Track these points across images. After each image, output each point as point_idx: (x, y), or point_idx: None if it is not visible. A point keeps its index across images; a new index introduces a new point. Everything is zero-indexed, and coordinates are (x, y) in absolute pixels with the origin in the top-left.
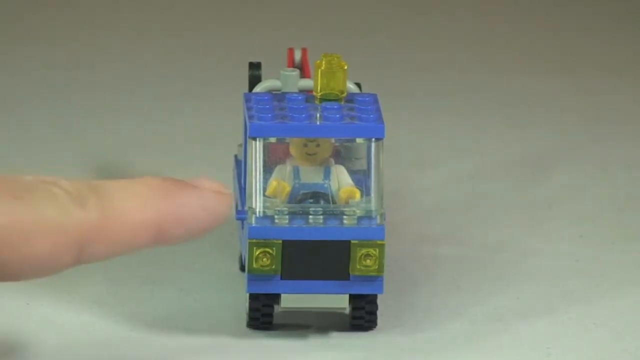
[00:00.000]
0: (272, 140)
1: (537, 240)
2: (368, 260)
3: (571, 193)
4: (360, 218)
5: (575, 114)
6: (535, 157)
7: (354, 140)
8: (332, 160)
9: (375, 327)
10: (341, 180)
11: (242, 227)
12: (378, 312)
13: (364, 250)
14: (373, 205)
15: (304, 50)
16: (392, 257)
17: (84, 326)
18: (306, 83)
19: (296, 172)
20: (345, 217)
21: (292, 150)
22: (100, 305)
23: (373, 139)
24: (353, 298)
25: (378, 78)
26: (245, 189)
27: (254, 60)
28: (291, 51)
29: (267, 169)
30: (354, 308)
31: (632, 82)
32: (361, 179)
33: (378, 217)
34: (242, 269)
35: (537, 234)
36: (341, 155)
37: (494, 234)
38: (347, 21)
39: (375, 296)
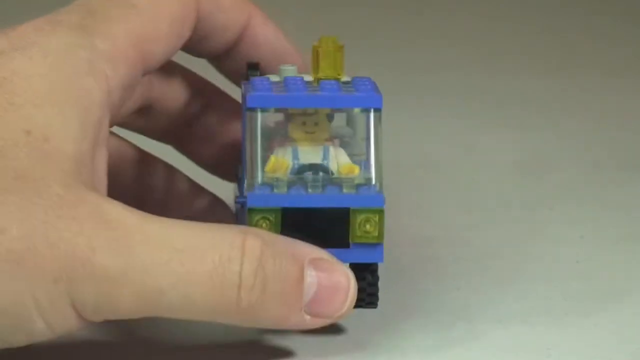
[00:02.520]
0: (270, 111)
1: (538, 241)
2: (368, 226)
3: (572, 194)
4: (359, 186)
5: (575, 115)
6: (536, 158)
7: (352, 111)
8: (331, 143)
9: (376, 303)
10: (340, 160)
11: (240, 215)
12: (377, 312)
13: (363, 216)
14: (372, 173)
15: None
16: (392, 257)
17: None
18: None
19: (295, 152)
20: (344, 185)
21: (291, 131)
22: None
23: (371, 109)
24: (353, 269)
25: (378, 78)
26: (244, 179)
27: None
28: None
29: (267, 148)
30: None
31: (632, 82)
32: (360, 161)
33: (377, 185)
34: None
35: (537, 235)
36: (339, 139)
37: (495, 235)
38: (347, 21)
39: (376, 266)
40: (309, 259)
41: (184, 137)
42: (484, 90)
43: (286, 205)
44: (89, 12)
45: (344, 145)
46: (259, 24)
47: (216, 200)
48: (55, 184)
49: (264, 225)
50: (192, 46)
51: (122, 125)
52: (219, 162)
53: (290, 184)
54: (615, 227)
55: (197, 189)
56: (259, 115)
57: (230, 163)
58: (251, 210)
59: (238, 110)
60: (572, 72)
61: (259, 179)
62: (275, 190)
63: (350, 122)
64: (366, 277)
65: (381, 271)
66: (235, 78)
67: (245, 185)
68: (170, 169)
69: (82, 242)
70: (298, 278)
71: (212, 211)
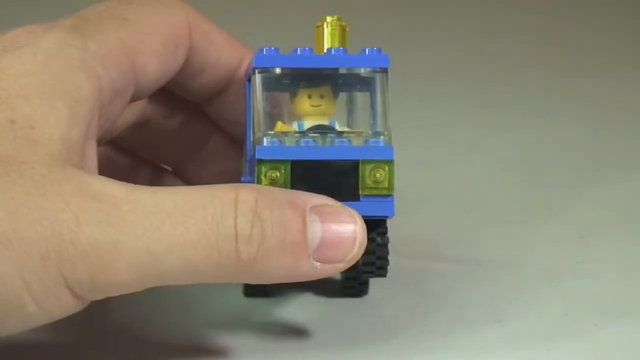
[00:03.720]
0: (276, 70)
1: (538, 241)
2: (378, 175)
3: (571, 195)
4: (367, 139)
5: (575, 115)
6: (535, 158)
7: (360, 71)
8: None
9: (386, 269)
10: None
11: None
12: (377, 312)
13: (373, 165)
14: (380, 127)
15: None
16: (391, 257)
17: (83, 324)
18: None
19: (300, 127)
20: (353, 138)
21: (297, 106)
22: (97, 304)
23: (378, 69)
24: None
25: None
26: (248, 157)
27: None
28: None
29: (272, 113)
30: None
31: (632, 82)
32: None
33: (386, 137)
34: (246, 294)
35: (537, 235)
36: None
37: (494, 235)
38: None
39: (385, 228)
40: (310, 206)
41: (183, 160)
42: (484, 90)
43: (295, 157)
44: (83, 19)
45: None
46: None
47: None
48: (40, 166)
49: (273, 176)
50: (184, 83)
51: (119, 141)
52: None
53: (299, 138)
54: (615, 227)
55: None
56: (266, 75)
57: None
58: (260, 161)
59: (238, 137)
60: (572, 72)
61: (268, 132)
62: (285, 143)
63: (353, 103)
64: (375, 239)
65: None
66: (226, 120)
67: (250, 148)
68: (163, 174)
69: (68, 218)
70: (300, 225)
71: None
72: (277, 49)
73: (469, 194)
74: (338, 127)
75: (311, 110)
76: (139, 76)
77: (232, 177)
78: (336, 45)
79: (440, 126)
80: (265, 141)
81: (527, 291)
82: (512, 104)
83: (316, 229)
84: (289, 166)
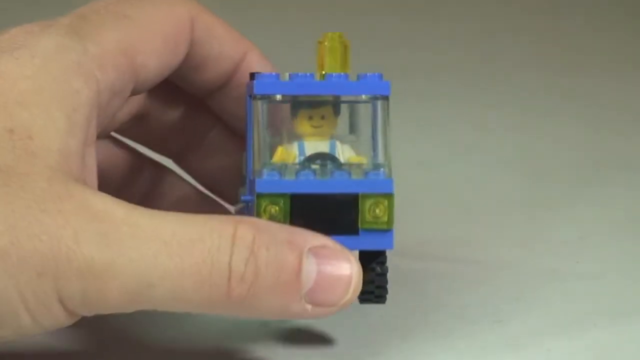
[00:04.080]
0: (278, 97)
1: (538, 241)
2: (377, 210)
3: (571, 195)
4: (367, 172)
5: (575, 115)
6: (535, 158)
7: (360, 99)
8: (337, 141)
9: (385, 297)
10: (346, 154)
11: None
12: (377, 312)
13: (373, 200)
14: (380, 159)
15: None
16: (391, 257)
17: (84, 325)
18: None
19: (301, 148)
20: (353, 171)
21: (297, 126)
22: None
23: (379, 96)
24: (362, 261)
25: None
26: (249, 176)
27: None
28: None
29: (271, 142)
30: (363, 271)
31: (632, 82)
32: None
33: (386, 170)
34: None
35: (537, 235)
36: (346, 134)
37: (494, 235)
38: (347, 22)
39: (384, 258)
40: (309, 247)
41: (184, 152)
42: (484, 90)
43: (295, 190)
44: (82, 17)
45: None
46: (255, 61)
47: (220, 209)
48: (40, 179)
49: (272, 211)
50: (186, 76)
51: (120, 132)
52: (219, 181)
53: (299, 170)
54: (615, 227)
55: (202, 198)
56: (266, 102)
57: (231, 183)
58: (260, 195)
59: (240, 131)
60: (572, 72)
61: (267, 165)
62: (284, 176)
63: (354, 116)
64: (375, 268)
65: None
66: (228, 114)
67: (251, 172)
68: (176, 178)
69: (67, 235)
70: (295, 266)
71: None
72: (277, 75)
73: (469, 194)
74: (339, 147)
75: (312, 131)
76: (139, 74)
77: (233, 170)
78: (337, 64)
79: (440, 126)
80: (265, 174)
81: (527, 291)
82: (512, 104)
83: (311, 271)
84: (288, 200)
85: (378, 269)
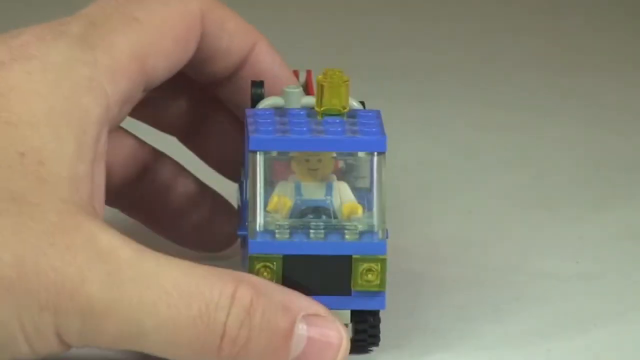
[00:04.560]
0: (273, 154)
1: (537, 241)
2: (370, 275)
3: (572, 194)
4: (362, 233)
5: (575, 115)
6: (535, 158)
7: (356, 155)
8: (335, 177)
9: (378, 343)
10: (343, 197)
11: (243, 246)
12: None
13: (365, 265)
14: (375, 220)
15: (308, 72)
16: (391, 258)
17: None
18: (309, 100)
19: (298, 188)
20: (346, 231)
21: (294, 166)
22: None
23: (375, 153)
24: (355, 314)
25: (379, 79)
26: (247, 205)
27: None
28: (296, 73)
29: (269, 184)
30: (356, 322)
31: (632, 82)
32: (364, 196)
33: (380, 231)
34: None
35: (537, 235)
36: (344, 172)
37: (494, 235)
38: (347, 22)
39: (377, 311)
40: (303, 314)
41: (190, 131)
42: (484, 90)
43: (288, 252)
44: (92, 23)
45: (349, 169)
46: (264, 52)
47: (220, 200)
48: (50, 210)
49: (265, 273)
50: (194, 67)
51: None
52: (224, 160)
53: (292, 229)
54: (615, 227)
55: (202, 188)
56: (262, 158)
57: (236, 162)
58: (252, 257)
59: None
60: (572, 72)
61: (261, 225)
62: (277, 237)
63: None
64: (368, 319)
65: None
66: (235, 104)
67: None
68: (177, 168)
69: (73, 272)
70: (286, 332)
71: (214, 210)
72: (273, 130)
73: (469, 194)
74: (336, 189)
75: (309, 174)
76: (149, 76)
77: (238, 151)
78: (337, 100)
79: (440, 126)
80: (258, 236)
81: (527, 291)
82: (512, 104)
83: (301, 340)
84: (280, 261)
85: (371, 319)
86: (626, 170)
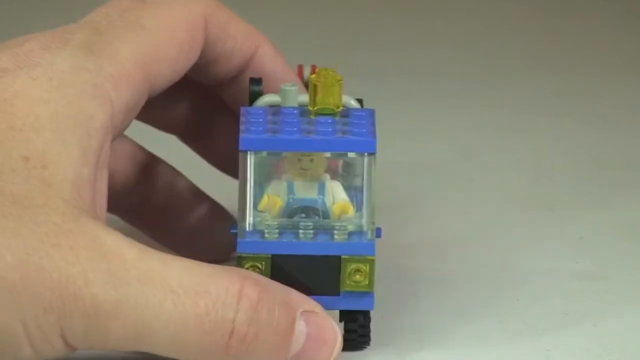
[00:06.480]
0: (263, 154)
1: (537, 242)
2: (358, 276)
3: (572, 195)
4: (351, 233)
5: (575, 115)
6: (535, 159)
7: (346, 155)
8: (328, 176)
9: (369, 343)
10: (336, 196)
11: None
12: (377, 312)
13: (354, 266)
14: (364, 221)
15: (313, 67)
16: (391, 258)
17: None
18: (306, 98)
19: (290, 187)
20: (335, 232)
21: (287, 165)
22: None
23: (365, 154)
24: (345, 314)
25: (379, 79)
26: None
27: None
28: (300, 68)
29: (261, 183)
30: (346, 322)
31: (632, 82)
32: (357, 195)
33: (369, 232)
34: None
35: (537, 235)
36: (337, 171)
37: (495, 236)
38: (347, 22)
39: (368, 311)
40: (301, 311)
41: (192, 130)
42: (484, 90)
43: (276, 252)
44: (96, 30)
45: (341, 168)
46: (267, 54)
47: (216, 207)
48: (53, 212)
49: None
50: (198, 70)
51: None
52: (226, 158)
53: (281, 229)
54: (615, 227)
55: (199, 195)
56: (252, 157)
57: (236, 162)
58: (240, 257)
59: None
60: (572, 72)
61: (250, 224)
62: (265, 236)
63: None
64: (358, 318)
65: (381, 271)
66: (238, 106)
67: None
68: (174, 173)
69: (76, 273)
70: (288, 329)
71: (211, 217)
72: (264, 130)
73: (468, 194)
74: (328, 188)
75: (301, 173)
76: (153, 83)
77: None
78: (330, 99)
79: (440, 126)
80: (247, 235)
81: (527, 291)
82: (512, 104)
83: (301, 336)
84: (269, 261)
85: (361, 319)
86: (626, 170)
